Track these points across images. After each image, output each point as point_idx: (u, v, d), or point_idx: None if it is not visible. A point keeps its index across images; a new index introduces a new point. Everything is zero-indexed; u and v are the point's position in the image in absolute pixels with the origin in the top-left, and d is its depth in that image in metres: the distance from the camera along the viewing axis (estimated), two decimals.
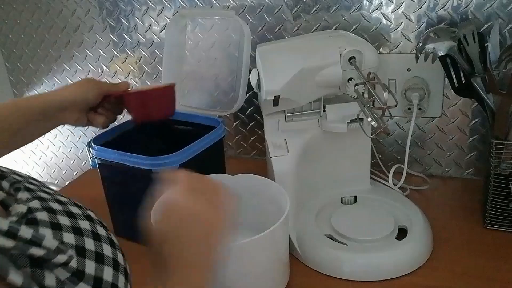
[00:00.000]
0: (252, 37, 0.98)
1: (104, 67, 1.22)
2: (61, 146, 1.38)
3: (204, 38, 1.07)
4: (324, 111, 0.84)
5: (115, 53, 1.18)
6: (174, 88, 0.81)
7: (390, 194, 0.88)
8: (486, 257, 0.73)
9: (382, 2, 0.91)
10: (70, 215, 0.37)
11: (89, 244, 0.36)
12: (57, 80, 1.30)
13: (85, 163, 1.37)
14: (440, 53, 0.80)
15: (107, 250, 0.37)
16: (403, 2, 0.89)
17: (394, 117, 0.98)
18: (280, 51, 0.83)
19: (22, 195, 0.36)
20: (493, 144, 0.74)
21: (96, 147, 0.80)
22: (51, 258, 0.31)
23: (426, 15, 0.89)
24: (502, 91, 0.73)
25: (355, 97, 0.76)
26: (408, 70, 0.92)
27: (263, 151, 1.11)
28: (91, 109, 0.76)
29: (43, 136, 0.76)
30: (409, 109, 0.94)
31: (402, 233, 0.77)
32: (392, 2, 0.90)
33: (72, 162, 1.39)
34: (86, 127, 0.80)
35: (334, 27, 0.96)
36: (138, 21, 1.12)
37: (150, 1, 1.09)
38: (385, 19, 0.92)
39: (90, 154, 0.81)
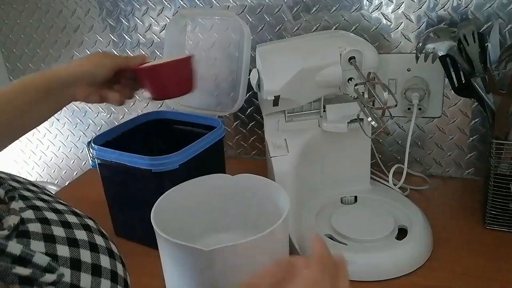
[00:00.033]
0: (252, 37, 0.98)
1: None
2: (61, 146, 1.38)
3: (204, 38, 1.07)
4: (324, 111, 0.84)
5: (115, 53, 1.18)
6: (192, 60, 0.73)
7: (390, 194, 0.88)
8: (486, 257, 0.73)
9: (382, 2, 0.91)
10: (66, 225, 0.36)
11: (85, 256, 0.35)
12: None
13: (85, 163, 1.37)
14: (440, 53, 0.80)
15: (105, 261, 0.36)
16: (403, 2, 0.89)
17: (394, 117, 0.98)
18: (280, 51, 0.83)
19: (16, 204, 0.35)
20: (493, 144, 0.74)
21: (96, 147, 0.80)
22: (37, 278, 0.30)
23: (426, 15, 0.89)
24: (502, 91, 0.73)
25: (355, 97, 0.76)
26: (408, 70, 0.92)
27: (263, 151, 1.11)
28: (106, 85, 0.69)
29: (58, 112, 0.69)
30: (409, 109, 0.94)
31: (402, 233, 0.77)
32: (392, 2, 0.90)
33: (72, 162, 1.39)
34: (101, 103, 0.74)
35: (334, 27, 0.96)
36: (138, 21, 1.12)
37: (150, 1, 1.09)
38: (385, 19, 0.92)
39: (90, 154, 0.81)
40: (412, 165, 1.00)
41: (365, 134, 0.79)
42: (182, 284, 0.61)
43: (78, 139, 1.35)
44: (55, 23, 1.21)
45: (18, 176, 0.41)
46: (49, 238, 0.34)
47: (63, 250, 0.34)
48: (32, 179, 1.52)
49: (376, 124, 0.67)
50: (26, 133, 0.65)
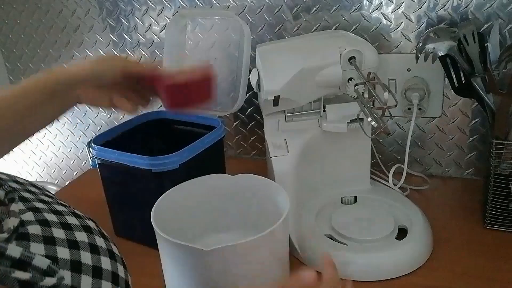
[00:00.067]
0: (252, 37, 0.98)
1: None
2: (61, 146, 1.38)
3: (204, 38, 1.07)
4: (324, 111, 0.84)
5: (115, 53, 1.18)
6: (214, 76, 0.71)
7: (390, 194, 0.88)
8: (486, 257, 0.73)
9: (382, 2, 0.91)
10: (67, 226, 0.36)
11: (86, 258, 0.35)
12: None
13: (85, 163, 1.37)
14: (440, 53, 0.80)
15: (105, 263, 0.36)
16: (403, 2, 0.89)
17: (394, 117, 0.98)
18: (280, 51, 0.83)
19: (16, 206, 0.35)
20: (493, 144, 0.74)
21: (96, 147, 0.80)
22: (37, 282, 0.30)
23: (426, 15, 0.89)
24: (502, 91, 0.73)
25: (355, 97, 0.76)
26: (408, 70, 0.92)
27: (263, 151, 1.11)
28: (118, 91, 0.65)
29: (63, 114, 0.66)
30: (409, 109, 0.94)
31: (402, 233, 0.77)
32: (392, 2, 0.90)
33: (72, 162, 1.39)
34: (111, 110, 0.70)
35: (334, 27, 0.96)
36: (138, 21, 1.12)
37: (150, 1, 1.09)
38: (385, 19, 0.92)
39: (90, 154, 0.81)
40: (412, 165, 1.00)
41: (365, 134, 0.79)
42: (182, 284, 0.61)
43: (78, 139, 1.35)
44: (55, 23, 1.21)
45: (18, 177, 0.41)
46: (49, 240, 0.34)
47: (63, 252, 0.34)
48: (32, 179, 1.51)
49: (376, 124, 0.67)
50: (28, 138, 0.63)
